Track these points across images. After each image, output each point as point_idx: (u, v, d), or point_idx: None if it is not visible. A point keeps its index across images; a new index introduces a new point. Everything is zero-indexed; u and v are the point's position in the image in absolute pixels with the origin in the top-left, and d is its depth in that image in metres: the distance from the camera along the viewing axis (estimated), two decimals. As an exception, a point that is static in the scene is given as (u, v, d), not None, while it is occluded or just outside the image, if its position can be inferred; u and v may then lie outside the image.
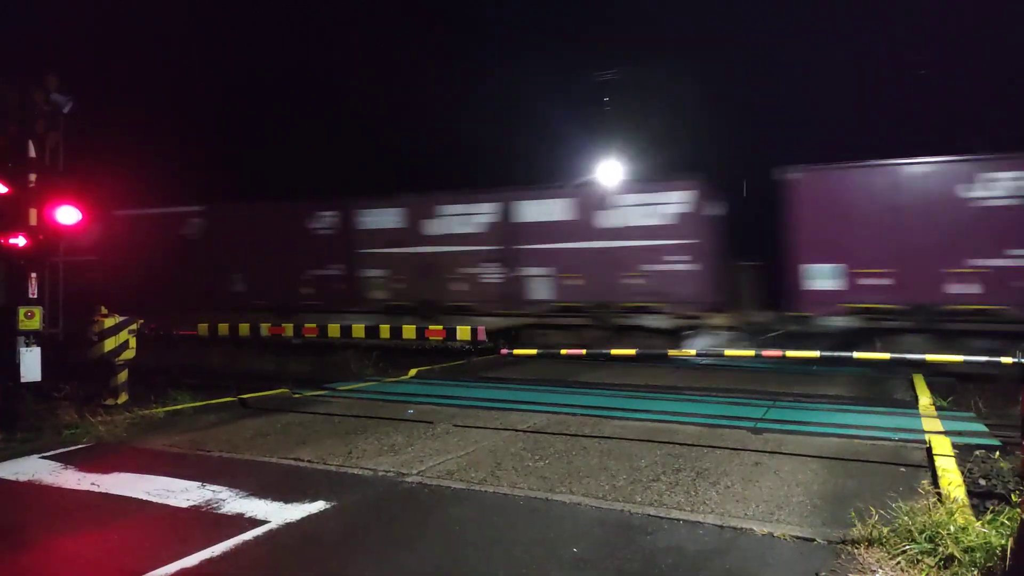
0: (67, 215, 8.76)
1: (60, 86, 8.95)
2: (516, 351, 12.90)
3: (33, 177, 8.70)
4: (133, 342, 9.20)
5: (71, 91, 9.08)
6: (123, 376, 9.13)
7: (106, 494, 5.65)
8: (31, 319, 8.45)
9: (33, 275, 8.70)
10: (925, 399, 10.09)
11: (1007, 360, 6.25)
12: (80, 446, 7.31)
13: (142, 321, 9.41)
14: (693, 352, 10.15)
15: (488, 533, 4.73)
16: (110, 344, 8.98)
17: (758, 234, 16.99)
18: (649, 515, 5.08)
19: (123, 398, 9.04)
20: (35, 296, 8.69)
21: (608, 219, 15.88)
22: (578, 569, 4.16)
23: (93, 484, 5.89)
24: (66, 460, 6.71)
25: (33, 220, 8.65)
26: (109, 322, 8.98)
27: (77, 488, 5.81)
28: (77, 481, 6.00)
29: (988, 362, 7.47)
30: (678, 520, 4.98)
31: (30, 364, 8.48)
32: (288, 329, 11.86)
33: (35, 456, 6.84)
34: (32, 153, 8.75)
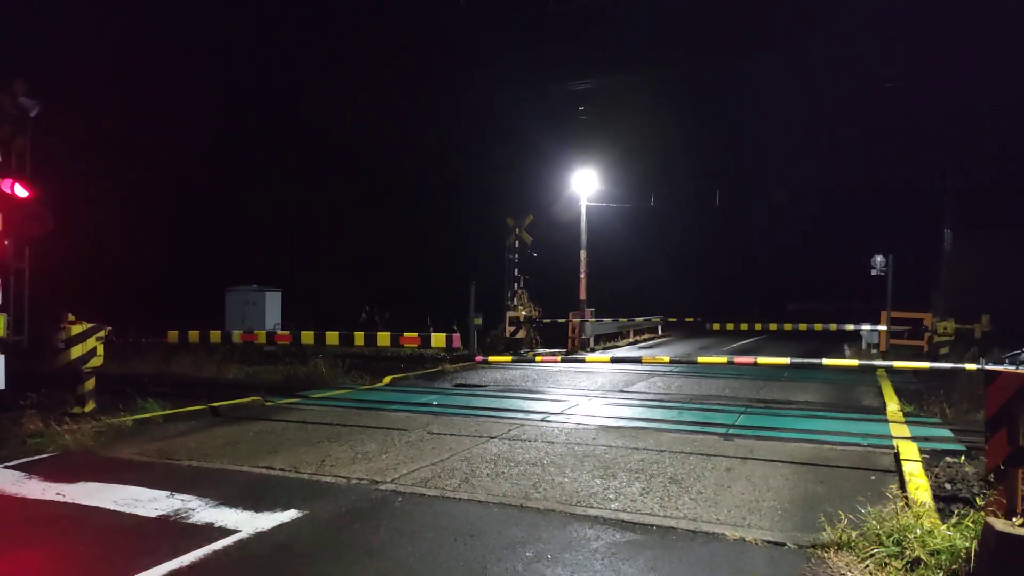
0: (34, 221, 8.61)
1: (28, 90, 8.81)
2: (491, 358, 12.90)
3: (-1, 181, 8.53)
4: (101, 349, 9.03)
5: (39, 95, 8.95)
6: (90, 384, 8.95)
7: (72, 504, 5.53)
8: (-5, 326, 8.27)
9: (-2, 281, 8.53)
10: (893, 405, 10.28)
11: (971, 366, 6.39)
12: (45, 455, 7.15)
13: (110, 328, 9.23)
14: (667, 359, 10.24)
15: (462, 541, 4.71)
16: (77, 352, 8.80)
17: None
18: (623, 520, 5.11)
19: (90, 406, 8.86)
20: (0, 302, 8.52)
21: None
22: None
23: (58, 494, 5.77)
24: (30, 470, 6.56)
25: (-2, 225, 8.48)
26: (76, 329, 8.80)
27: (41, 498, 5.69)
28: (42, 491, 5.86)
29: (953, 368, 7.64)
30: (651, 526, 5.01)
31: (-7, 372, 8.30)
32: (261, 336, 11.72)
33: (-2, 466, 6.69)
34: (-2, 157, 8.59)
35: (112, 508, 5.39)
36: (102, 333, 9.05)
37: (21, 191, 8.61)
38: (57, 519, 5.21)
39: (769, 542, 4.68)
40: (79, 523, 5.10)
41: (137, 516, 5.22)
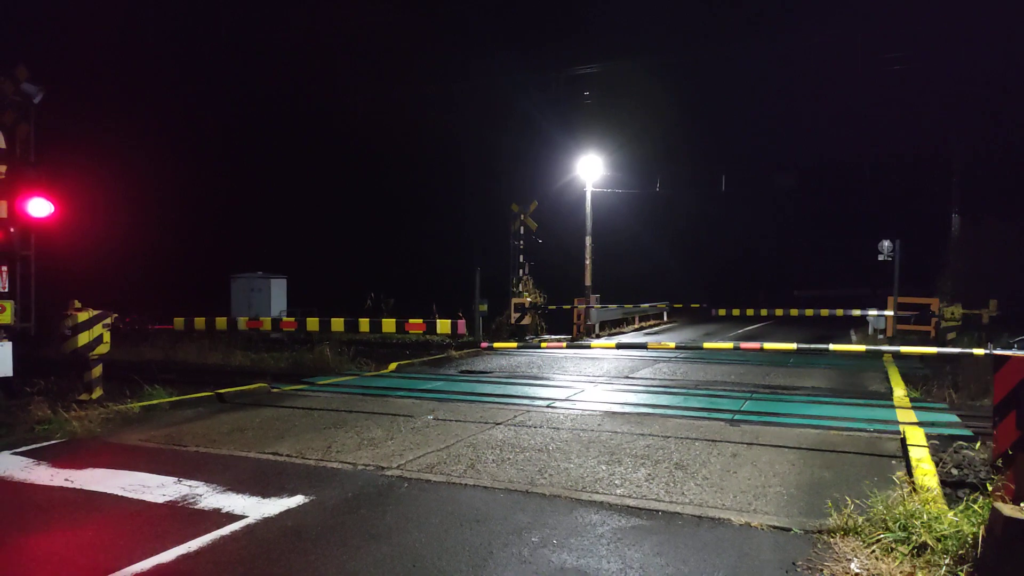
0: (39, 207, 8.62)
1: (30, 77, 8.79)
2: (496, 344, 12.90)
3: (3, 169, 8.54)
4: (107, 336, 9.06)
5: (46, 84, 8.93)
6: (97, 371, 8.99)
7: (80, 490, 5.56)
8: (2, 313, 8.30)
9: (4, 268, 8.55)
10: (899, 391, 10.25)
11: (979, 351, 6.35)
12: (53, 442, 7.19)
13: (116, 315, 9.26)
14: (672, 345, 10.23)
15: (468, 526, 4.72)
16: (84, 338, 8.83)
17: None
18: (629, 506, 5.11)
19: (97, 393, 8.90)
20: (6, 290, 8.55)
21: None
22: (558, 562, 4.17)
23: (67, 480, 5.81)
24: (38, 456, 6.60)
25: (3, 213, 8.49)
26: (83, 316, 8.83)
27: (50, 484, 5.72)
28: (50, 477, 5.90)
29: (961, 353, 7.60)
30: (657, 511, 5.01)
31: (1, 359, 8.34)
32: (266, 323, 11.74)
33: (6, 452, 6.72)
34: (2, 144, 8.58)
35: (120, 494, 5.42)
36: (108, 320, 9.07)
37: (26, 178, 8.61)
38: (65, 505, 5.24)
39: (775, 527, 4.68)
40: (87, 509, 5.13)
41: (145, 502, 5.25)
